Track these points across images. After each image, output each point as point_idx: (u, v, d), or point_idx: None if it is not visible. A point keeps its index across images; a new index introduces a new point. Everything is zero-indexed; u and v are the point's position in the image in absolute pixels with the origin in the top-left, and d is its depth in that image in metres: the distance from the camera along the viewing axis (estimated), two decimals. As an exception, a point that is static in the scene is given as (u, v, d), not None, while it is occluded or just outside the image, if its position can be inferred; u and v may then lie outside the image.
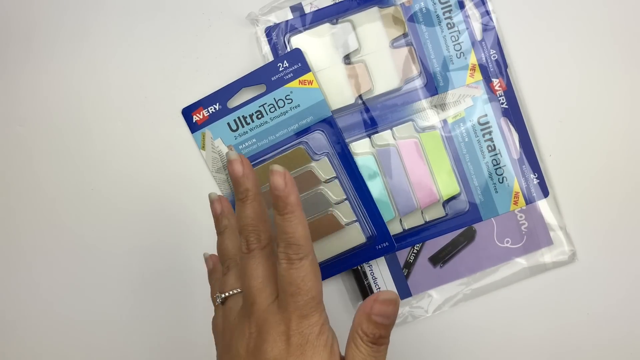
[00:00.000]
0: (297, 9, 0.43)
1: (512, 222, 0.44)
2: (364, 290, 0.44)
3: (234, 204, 0.44)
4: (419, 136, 0.43)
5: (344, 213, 0.43)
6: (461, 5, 0.43)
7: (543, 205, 0.44)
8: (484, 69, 0.43)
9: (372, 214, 0.43)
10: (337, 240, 0.43)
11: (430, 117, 0.44)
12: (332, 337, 0.31)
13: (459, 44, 0.43)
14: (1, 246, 0.46)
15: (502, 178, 0.44)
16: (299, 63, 0.42)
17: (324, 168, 0.43)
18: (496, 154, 0.44)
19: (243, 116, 0.43)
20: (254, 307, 0.32)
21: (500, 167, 0.44)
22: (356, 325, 0.31)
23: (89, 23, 0.45)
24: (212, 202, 0.38)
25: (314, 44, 0.43)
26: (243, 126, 0.43)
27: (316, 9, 0.43)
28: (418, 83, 0.43)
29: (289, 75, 0.43)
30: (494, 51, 0.43)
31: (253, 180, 0.33)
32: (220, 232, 0.38)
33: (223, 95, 0.43)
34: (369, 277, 0.44)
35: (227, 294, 0.35)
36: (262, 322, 0.31)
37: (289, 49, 0.43)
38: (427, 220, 0.44)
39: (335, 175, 0.43)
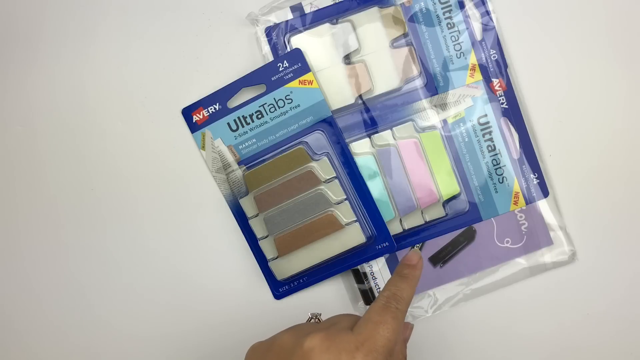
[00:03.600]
0: (297, 9, 0.43)
1: (512, 222, 0.44)
2: (365, 293, 0.44)
3: (233, 206, 0.44)
4: (419, 136, 0.43)
5: (344, 213, 0.43)
6: (461, 5, 0.43)
7: (543, 205, 0.44)
8: (484, 69, 0.43)
9: (372, 214, 0.43)
10: (337, 240, 0.43)
11: (430, 117, 0.44)
12: None
13: (459, 44, 0.43)
14: (1, 246, 0.46)
15: (502, 178, 0.44)
16: (299, 63, 0.42)
17: (324, 168, 0.43)
18: (496, 154, 0.44)
19: (243, 116, 0.43)
20: (331, 326, 0.34)
21: (500, 167, 0.44)
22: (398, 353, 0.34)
23: (89, 23, 0.45)
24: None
25: (314, 44, 0.43)
26: (243, 126, 0.43)
27: (316, 9, 0.43)
28: (418, 83, 0.43)
29: (289, 75, 0.43)
30: (494, 51, 0.43)
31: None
32: None
33: (223, 95, 0.43)
34: (369, 277, 0.44)
35: (316, 317, 0.37)
36: (330, 335, 0.32)
37: (289, 49, 0.43)
38: (427, 220, 0.44)
39: (335, 175, 0.43)
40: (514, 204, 0.44)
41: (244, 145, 0.43)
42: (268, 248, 0.43)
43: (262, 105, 0.43)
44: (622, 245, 0.44)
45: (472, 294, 0.44)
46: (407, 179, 0.43)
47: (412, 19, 0.43)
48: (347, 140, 0.43)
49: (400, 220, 0.44)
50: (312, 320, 0.37)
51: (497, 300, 0.45)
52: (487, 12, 0.43)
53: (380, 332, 0.32)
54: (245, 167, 0.44)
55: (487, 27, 0.43)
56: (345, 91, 0.43)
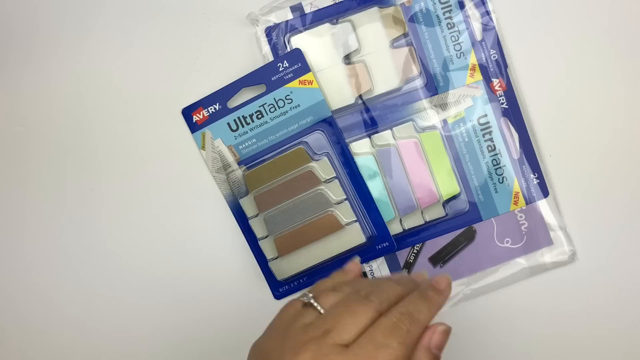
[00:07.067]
0: (297, 9, 0.43)
1: (512, 222, 0.44)
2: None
3: (233, 206, 0.44)
4: (419, 136, 0.43)
5: (344, 213, 0.43)
6: (461, 5, 0.43)
7: (543, 205, 0.44)
8: (484, 69, 0.43)
9: (372, 214, 0.43)
10: (337, 240, 0.43)
11: (430, 117, 0.44)
12: None
13: (459, 44, 0.43)
14: (0, 246, 0.46)
15: (502, 178, 0.44)
16: (299, 63, 0.42)
17: (324, 168, 0.43)
18: (496, 154, 0.44)
19: (243, 116, 0.43)
20: (325, 335, 0.30)
21: (500, 167, 0.44)
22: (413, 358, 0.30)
23: (89, 23, 0.45)
24: None
25: (314, 44, 0.43)
26: (243, 126, 0.43)
27: (316, 9, 0.43)
28: (418, 83, 0.43)
29: (289, 75, 0.43)
30: (494, 51, 0.43)
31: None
32: None
33: (223, 95, 0.43)
34: (369, 277, 0.44)
35: (313, 304, 0.32)
36: (319, 354, 0.29)
37: (289, 49, 0.43)
38: (427, 220, 0.44)
39: (335, 175, 0.43)
40: (514, 204, 0.44)
41: (244, 145, 0.43)
42: (268, 248, 0.44)
43: (262, 105, 0.43)
44: (622, 245, 0.44)
45: (472, 294, 0.44)
46: (407, 179, 0.43)
47: (412, 19, 0.43)
48: (347, 140, 0.43)
49: (400, 220, 0.44)
50: (319, 308, 0.32)
51: (497, 300, 0.45)
52: (487, 12, 0.43)
53: (379, 357, 0.28)
54: (245, 167, 0.44)
55: (487, 27, 0.43)
56: (345, 91, 0.43)
